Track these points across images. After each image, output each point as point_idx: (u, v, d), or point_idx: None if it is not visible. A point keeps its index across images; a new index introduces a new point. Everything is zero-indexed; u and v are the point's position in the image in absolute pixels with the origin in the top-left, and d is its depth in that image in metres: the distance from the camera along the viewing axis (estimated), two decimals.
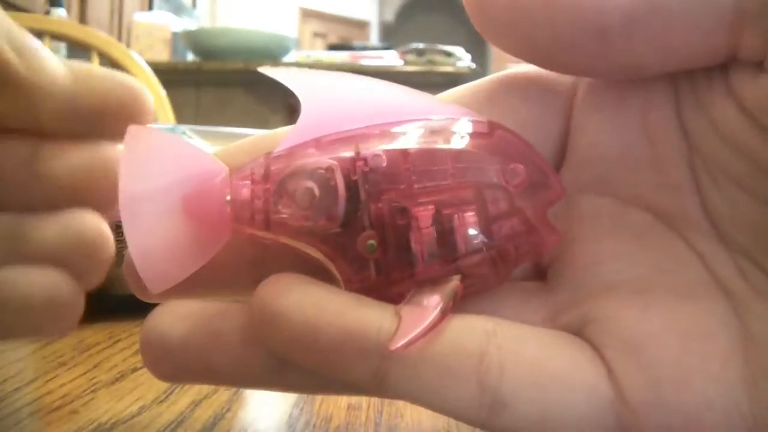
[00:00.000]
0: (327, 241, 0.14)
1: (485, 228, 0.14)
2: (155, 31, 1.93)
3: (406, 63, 1.81)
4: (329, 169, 0.14)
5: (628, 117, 0.15)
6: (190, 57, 1.92)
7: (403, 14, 5.37)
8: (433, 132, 0.15)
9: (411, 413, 0.19)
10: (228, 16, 4.18)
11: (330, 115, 0.15)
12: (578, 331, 0.14)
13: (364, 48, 2.10)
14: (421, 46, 1.82)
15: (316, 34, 4.85)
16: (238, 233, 0.15)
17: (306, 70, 0.15)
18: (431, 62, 1.78)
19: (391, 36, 5.07)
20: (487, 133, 0.15)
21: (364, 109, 0.15)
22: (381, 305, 0.14)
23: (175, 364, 0.15)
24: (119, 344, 0.27)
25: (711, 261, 0.14)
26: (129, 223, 0.14)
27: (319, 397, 0.20)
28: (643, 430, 0.13)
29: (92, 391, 0.21)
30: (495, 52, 4.19)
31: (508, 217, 0.14)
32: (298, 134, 0.15)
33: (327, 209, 0.14)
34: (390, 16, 5.37)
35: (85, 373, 0.23)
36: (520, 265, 0.15)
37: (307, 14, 4.84)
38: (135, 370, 0.23)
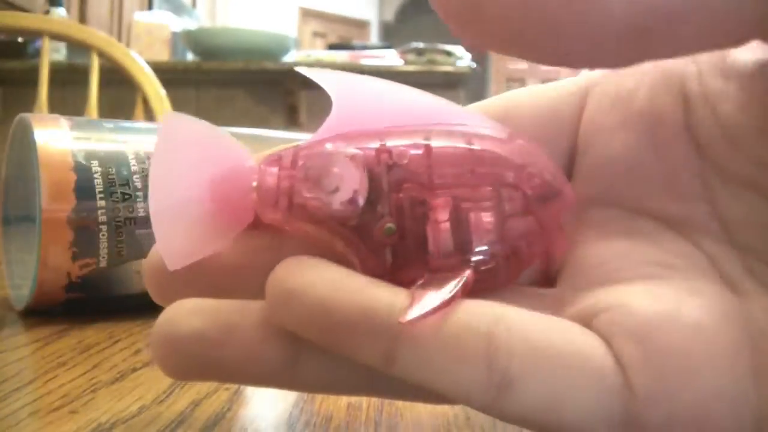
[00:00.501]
0: (347, 227, 0.15)
1: (500, 225, 0.15)
2: (155, 30, 1.93)
3: (407, 62, 1.80)
4: (354, 158, 0.15)
5: (637, 130, 0.15)
6: (190, 57, 1.92)
7: (403, 14, 5.36)
8: (456, 134, 0.15)
9: (411, 413, 0.19)
10: (228, 15, 4.18)
11: (360, 114, 0.16)
12: (586, 323, 0.14)
13: (364, 47, 2.10)
14: (421, 45, 1.82)
15: (316, 34, 4.85)
16: (263, 217, 0.15)
17: (339, 71, 0.16)
18: (431, 62, 1.78)
19: (391, 36, 5.07)
20: (507, 140, 0.15)
21: (392, 110, 0.16)
22: (394, 287, 0.14)
23: (187, 358, 0.15)
24: (119, 344, 0.27)
25: (719, 260, 0.14)
26: (156, 202, 0.15)
27: (319, 397, 0.20)
28: (650, 420, 0.13)
29: (92, 391, 0.21)
30: None
31: (522, 216, 0.15)
32: (328, 130, 0.15)
33: (350, 196, 0.15)
34: (390, 15, 5.37)
35: (85, 373, 0.23)
36: (530, 265, 0.16)
37: (307, 14, 4.84)
38: (135, 370, 0.23)
